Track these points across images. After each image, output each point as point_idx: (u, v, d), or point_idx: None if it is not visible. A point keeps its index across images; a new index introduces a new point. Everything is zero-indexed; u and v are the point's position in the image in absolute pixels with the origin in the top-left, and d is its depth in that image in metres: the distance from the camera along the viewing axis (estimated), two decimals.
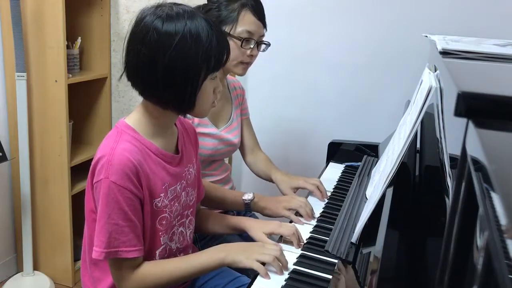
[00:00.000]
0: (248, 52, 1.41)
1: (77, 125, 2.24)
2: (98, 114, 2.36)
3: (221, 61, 1.01)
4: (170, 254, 1.12)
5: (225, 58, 1.02)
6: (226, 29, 1.39)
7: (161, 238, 1.07)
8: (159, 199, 1.04)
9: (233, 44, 1.38)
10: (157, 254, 1.08)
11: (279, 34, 2.17)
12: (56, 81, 1.97)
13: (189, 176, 1.14)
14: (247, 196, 1.37)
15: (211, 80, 1.01)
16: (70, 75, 2.05)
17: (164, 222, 1.07)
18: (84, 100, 2.33)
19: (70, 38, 2.09)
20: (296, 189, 1.50)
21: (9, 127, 2.08)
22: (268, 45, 1.47)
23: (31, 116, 2.01)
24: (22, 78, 1.90)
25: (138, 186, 0.99)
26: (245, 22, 1.39)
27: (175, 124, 1.13)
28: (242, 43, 1.39)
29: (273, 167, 1.63)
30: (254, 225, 1.19)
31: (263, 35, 1.45)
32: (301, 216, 1.30)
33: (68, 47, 2.05)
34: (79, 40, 2.17)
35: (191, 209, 1.18)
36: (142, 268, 1.03)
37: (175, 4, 1.01)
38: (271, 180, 1.60)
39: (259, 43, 1.44)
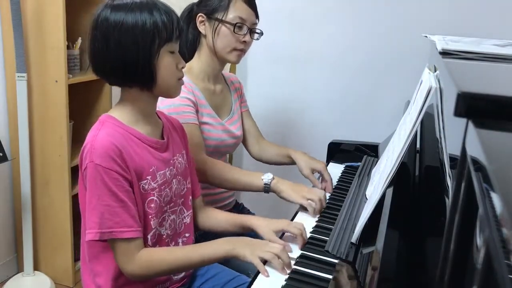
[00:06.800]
0: (241, 38, 1.43)
1: (77, 125, 2.24)
2: (98, 114, 2.31)
3: (172, 32, 1.05)
4: (159, 240, 1.13)
5: (177, 31, 1.06)
6: (218, 16, 1.42)
7: (151, 222, 1.09)
8: (146, 181, 1.07)
9: (226, 30, 1.42)
10: (149, 239, 1.09)
11: (280, 35, 2.17)
12: (56, 81, 1.97)
13: (178, 165, 1.17)
14: (266, 177, 1.36)
15: (169, 53, 1.06)
16: (71, 76, 2.04)
17: (153, 205, 1.08)
18: (84, 100, 2.33)
19: (71, 38, 2.08)
20: (314, 171, 1.50)
21: (10, 128, 2.08)
22: (261, 33, 1.49)
23: (31, 116, 2.01)
24: (22, 78, 1.90)
25: (123, 167, 1.02)
26: (237, 9, 1.42)
27: (159, 117, 1.17)
28: (234, 28, 1.42)
29: (288, 147, 1.64)
30: (262, 224, 1.18)
31: (255, 24, 1.47)
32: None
33: (68, 47, 2.05)
34: (79, 40, 2.17)
35: (183, 199, 1.19)
36: (150, 252, 1.05)
37: None
38: (286, 161, 1.61)
39: (252, 30, 1.46)
